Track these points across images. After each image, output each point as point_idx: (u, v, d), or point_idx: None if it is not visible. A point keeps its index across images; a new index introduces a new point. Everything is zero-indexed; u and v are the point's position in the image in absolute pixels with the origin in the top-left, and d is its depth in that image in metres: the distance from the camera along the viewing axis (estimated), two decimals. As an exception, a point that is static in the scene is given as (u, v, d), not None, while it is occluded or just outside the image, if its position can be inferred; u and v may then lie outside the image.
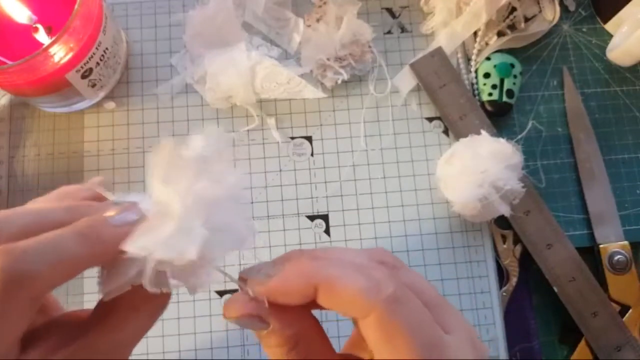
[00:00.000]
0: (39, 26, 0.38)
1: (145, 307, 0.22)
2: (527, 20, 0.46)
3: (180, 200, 0.20)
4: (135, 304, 0.21)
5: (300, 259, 0.22)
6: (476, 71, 0.44)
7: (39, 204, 0.22)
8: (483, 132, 0.40)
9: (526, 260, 0.41)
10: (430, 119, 0.44)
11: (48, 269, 0.18)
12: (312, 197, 0.42)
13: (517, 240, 0.41)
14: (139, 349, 0.38)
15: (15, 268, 0.18)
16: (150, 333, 0.39)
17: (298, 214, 0.41)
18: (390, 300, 0.20)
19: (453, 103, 0.43)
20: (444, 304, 0.23)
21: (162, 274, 0.20)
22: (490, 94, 0.43)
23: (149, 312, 0.22)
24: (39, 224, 0.20)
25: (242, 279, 0.22)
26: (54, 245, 0.19)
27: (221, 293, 0.40)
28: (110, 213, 0.21)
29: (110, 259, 0.20)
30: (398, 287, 0.20)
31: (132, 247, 0.19)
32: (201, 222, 0.20)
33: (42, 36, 0.38)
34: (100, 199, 0.24)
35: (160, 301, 0.22)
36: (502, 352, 0.39)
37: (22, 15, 0.38)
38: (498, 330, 0.40)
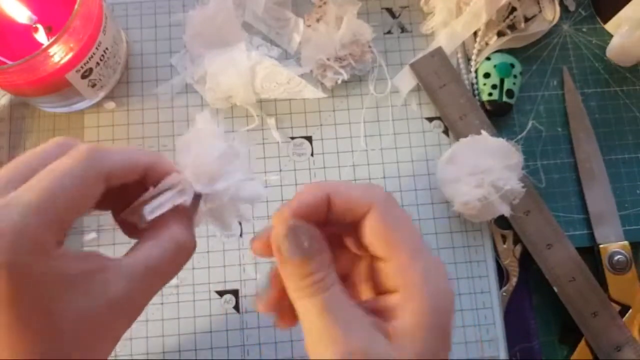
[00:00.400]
0: (39, 26, 0.38)
1: (179, 226, 0.24)
2: (527, 20, 0.45)
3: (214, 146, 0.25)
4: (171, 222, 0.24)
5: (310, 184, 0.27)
6: (476, 71, 0.44)
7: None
8: (483, 132, 0.40)
9: (526, 260, 0.41)
10: (430, 119, 0.44)
11: (120, 160, 0.23)
12: (312, 197, 0.42)
13: (517, 240, 0.41)
14: (139, 349, 0.38)
15: (97, 149, 0.22)
16: (150, 333, 0.39)
17: (298, 214, 0.41)
18: (386, 197, 0.25)
19: (453, 103, 0.43)
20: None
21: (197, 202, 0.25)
22: (490, 94, 0.43)
23: (182, 228, 0.25)
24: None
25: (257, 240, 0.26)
26: (126, 149, 0.24)
27: (221, 293, 0.40)
28: None
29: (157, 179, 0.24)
30: (389, 193, 0.25)
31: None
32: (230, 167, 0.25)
33: (42, 36, 0.38)
34: None
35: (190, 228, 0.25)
36: (502, 352, 0.39)
37: (22, 15, 0.38)
38: (498, 330, 0.40)
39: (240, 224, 0.41)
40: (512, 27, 0.45)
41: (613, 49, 0.44)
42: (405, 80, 0.44)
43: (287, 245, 0.23)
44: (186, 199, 0.24)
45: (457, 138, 0.42)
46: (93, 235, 0.40)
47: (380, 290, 0.25)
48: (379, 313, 0.24)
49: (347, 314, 0.23)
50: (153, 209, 0.23)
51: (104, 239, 0.40)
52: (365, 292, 0.26)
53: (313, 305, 0.23)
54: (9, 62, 0.37)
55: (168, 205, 0.24)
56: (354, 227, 0.25)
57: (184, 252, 0.24)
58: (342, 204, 0.24)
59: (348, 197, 0.24)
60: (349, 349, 0.22)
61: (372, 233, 0.24)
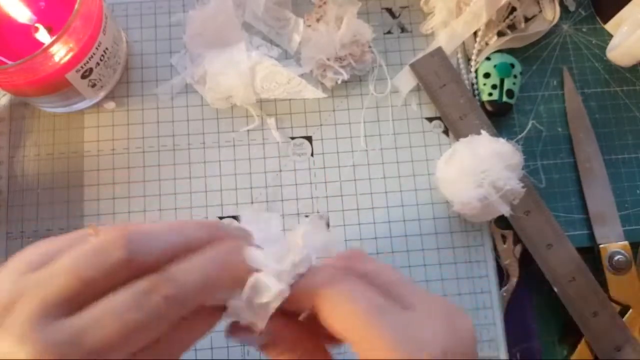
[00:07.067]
0: (39, 26, 0.38)
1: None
2: (527, 20, 0.46)
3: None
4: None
5: None
6: (476, 71, 0.44)
7: (171, 222, 0.23)
8: (483, 132, 0.40)
9: (526, 260, 0.41)
10: (430, 119, 0.44)
11: (200, 296, 0.21)
12: (312, 197, 0.42)
13: (517, 240, 0.41)
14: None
15: (179, 295, 0.20)
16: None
17: (298, 214, 0.41)
18: (330, 281, 0.23)
19: (453, 103, 0.43)
20: (402, 283, 0.25)
21: None
22: (490, 94, 0.43)
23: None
24: (183, 244, 0.22)
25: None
26: (205, 276, 0.21)
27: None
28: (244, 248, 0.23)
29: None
30: (348, 281, 0.24)
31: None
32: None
33: (42, 36, 0.38)
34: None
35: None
36: (502, 352, 0.39)
37: (22, 15, 0.38)
38: (498, 330, 0.40)
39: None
40: (512, 27, 0.45)
41: (613, 49, 0.44)
42: (405, 80, 0.44)
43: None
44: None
45: (457, 138, 0.42)
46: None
47: None
48: None
49: None
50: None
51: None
52: None
53: None
54: (9, 62, 0.37)
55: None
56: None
57: None
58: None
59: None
60: None
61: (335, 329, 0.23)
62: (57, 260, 0.20)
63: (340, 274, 0.24)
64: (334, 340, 0.26)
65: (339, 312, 0.23)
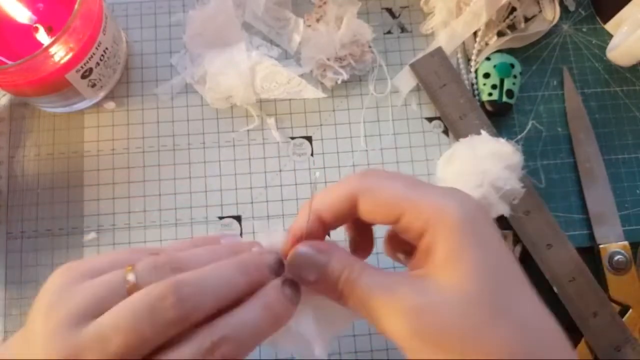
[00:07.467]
0: (39, 26, 0.38)
1: None
2: (527, 20, 0.46)
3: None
4: None
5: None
6: (476, 71, 0.44)
7: (210, 263, 0.25)
8: (483, 132, 0.39)
9: (526, 260, 0.41)
10: (430, 119, 0.44)
11: (252, 348, 0.24)
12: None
13: (517, 240, 0.41)
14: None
15: (233, 351, 0.23)
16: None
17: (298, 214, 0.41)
18: (462, 217, 0.23)
19: (453, 103, 0.43)
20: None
21: None
22: (490, 94, 0.43)
23: None
24: (228, 296, 0.24)
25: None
26: (256, 332, 0.24)
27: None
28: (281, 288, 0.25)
29: None
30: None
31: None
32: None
33: (42, 36, 0.38)
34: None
35: None
36: (502, 352, 0.39)
37: (22, 15, 0.38)
38: (498, 330, 0.40)
39: (239, 222, 0.41)
40: (512, 27, 0.45)
41: (613, 49, 0.44)
42: (405, 80, 0.44)
43: (299, 274, 0.26)
44: None
45: (457, 138, 0.42)
46: (93, 235, 0.40)
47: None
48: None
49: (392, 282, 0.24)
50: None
51: (103, 239, 0.40)
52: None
53: (358, 299, 0.24)
54: (9, 62, 0.37)
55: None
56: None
57: None
58: (373, 208, 0.25)
59: (379, 201, 0.25)
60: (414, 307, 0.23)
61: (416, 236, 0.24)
62: (112, 315, 0.22)
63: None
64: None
65: (379, 197, 0.24)
